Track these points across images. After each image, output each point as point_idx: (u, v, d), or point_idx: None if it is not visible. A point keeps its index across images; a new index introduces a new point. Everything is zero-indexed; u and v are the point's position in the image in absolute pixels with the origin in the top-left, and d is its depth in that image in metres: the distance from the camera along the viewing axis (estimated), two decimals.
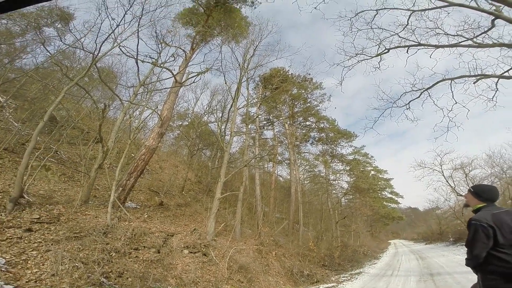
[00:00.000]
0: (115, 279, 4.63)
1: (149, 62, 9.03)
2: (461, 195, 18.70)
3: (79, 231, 5.40)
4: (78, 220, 6.00)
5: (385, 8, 8.65)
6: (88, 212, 6.75)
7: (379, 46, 9.19)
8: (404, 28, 8.64)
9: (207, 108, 18.40)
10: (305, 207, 20.04)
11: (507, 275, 1.92)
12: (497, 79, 7.77)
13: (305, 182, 26.02)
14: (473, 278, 5.96)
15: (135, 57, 8.32)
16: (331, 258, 12.62)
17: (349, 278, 10.15)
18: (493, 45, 7.26)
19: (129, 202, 9.22)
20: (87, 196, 7.35)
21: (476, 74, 7.89)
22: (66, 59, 11.62)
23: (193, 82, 11.05)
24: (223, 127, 14.43)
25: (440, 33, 8.25)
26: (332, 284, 8.93)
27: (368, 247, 21.79)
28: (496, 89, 8.00)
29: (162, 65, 9.41)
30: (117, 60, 17.54)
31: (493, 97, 8.11)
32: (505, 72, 7.56)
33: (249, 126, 17.27)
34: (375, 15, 8.90)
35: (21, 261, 3.89)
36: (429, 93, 8.88)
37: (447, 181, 19.90)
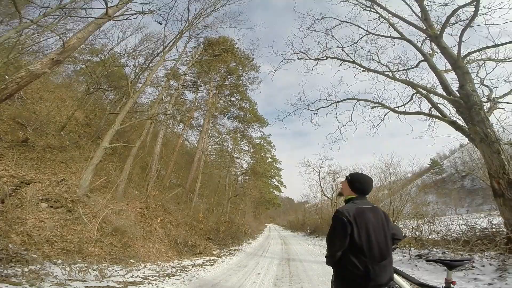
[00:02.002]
0: None
1: None
2: (325, 195, 23.19)
3: None
4: None
5: (349, 22, 9.41)
6: None
7: (321, 52, 9.85)
8: (351, 44, 9.53)
9: (131, 52, 15.47)
10: (204, 177, 20.13)
11: (353, 284, 1.71)
12: (388, 111, 9.29)
13: (211, 153, 26.18)
14: (315, 267, 7.22)
15: None
16: (217, 232, 13.20)
17: (228, 253, 10.88)
18: (405, 82, 8.65)
19: None
20: None
21: (377, 102, 9.29)
22: None
23: (126, 19, 8.96)
24: (140, 74, 12.79)
25: (374, 59, 9.43)
26: (212, 258, 9.30)
27: (250, 226, 24.25)
28: (382, 120, 9.64)
29: None
30: None
31: (377, 125, 9.83)
32: (396, 107, 9.12)
33: (171, 82, 15.71)
34: (337, 25, 9.56)
35: None
36: (336, 106, 9.98)
37: (319, 182, 24.23)
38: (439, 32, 7.34)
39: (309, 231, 25.31)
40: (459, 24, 7.60)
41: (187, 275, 6.08)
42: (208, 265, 7.75)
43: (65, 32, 11.06)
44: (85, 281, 3.92)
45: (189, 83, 20.47)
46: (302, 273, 6.83)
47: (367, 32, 9.37)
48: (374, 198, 16.20)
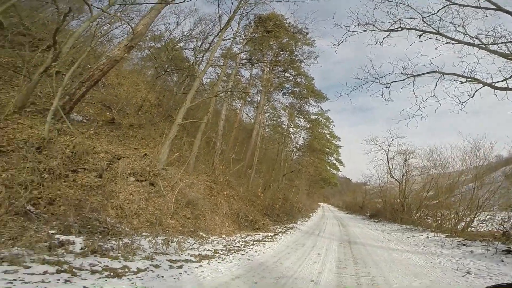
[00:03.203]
0: (45, 207, 4.01)
1: None
2: (393, 178, 21.16)
3: (6, 144, 4.38)
4: (7, 129, 4.84)
5: None
6: (22, 121, 5.49)
7: (394, 23, 9.06)
8: (429, 15, 8.45)
9: (187, 35, 16.30)
10: (261, 153, 20.66)
11: None
12: (481, 86, 8.13)
13: (267, 129, 26.51)
14: (381, 252, 6.86)
15: None
16: (273, 208, 13.65)
17: (284, 231, 11.22)
18: (504, 55, 7.33)
19: (75, 114, 7.91)
20: (23, 101, 5.93)
21: (468, 76, 8.26)
22: None
23: (183, 1, 9.26)
24: (199, 56, 13.55)
25: (459, 31, 8.19)
26: (270, 234, 9.71)
27: (303, 204, 24.32)
28: (471, 96, 8.44)
29: None
30: None
31: (464, 102, 8.69)
32: (495, 82, 7.85)
33: (228, 61, 16.19)
34: None
35: None
36: (414, 79, 9.36)
37: (387, 162, 21.89)
38: None
39: (369, 215, 23.98)
40: None
41: (249, 250, 6.48)
42: (267, 241, 8.10)
43: (132, 19, 12.14)
44: (167, 254, 4.51)
45: (244, 61, 20.53)
46: (367, 257, 6.60)
47: (450, 2, 8.04)
48: (453, 183, 14.43)
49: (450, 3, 8.07)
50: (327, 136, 34.77)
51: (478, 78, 8.09)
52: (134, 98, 12.59)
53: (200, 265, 4.52)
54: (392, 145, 21.60)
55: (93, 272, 3.18)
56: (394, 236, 11.30)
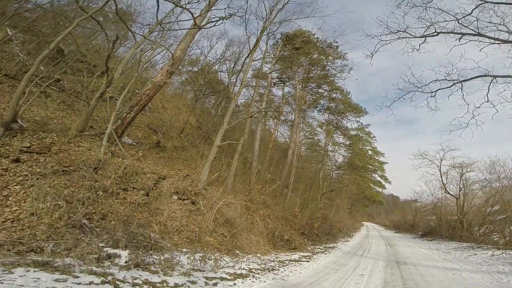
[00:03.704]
0: (98, 221, 4.53)
1: (170, 1, 7.93)
2: (449, 193, 19.04)
3: (68, 165, 5.13)
4: (70, 151, 5.70)
5: None
6: (82, 143, 6.41)
7: (427, 28, 8.65)
8: (463, 16, 7.92)
9: (220, 58, 17.54)
10: (297, 172, 20.34)
11: None
12: None
13: (303, 148, 26.12)
14: (435, 272, 6.13)
15: None
16: (311, 228, 13.17)
17: (323, 250, 10.70)
18: None
19: (126, 137, 8.91)
20: (83, 125, 6.94)
21: None
22: None
23: (214, 25, 10.11)
24: (233, 77, 14.14)
25: (502, 30, 7.50)
26: (307, 254, 9.38)
27: (345, 224, 22.96)
28: None
29: (184, 5, 8.37)
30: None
31: None
32: None
33: (260, 81, 16.68)
34: None
35: (1, 197, 3.61)
36: (461, 85, 8.77)
37: (441, 177, 19.97)
38: None
39: (421, 233, 21.88)
40: None
41: (284, 270, 6.32)
42: (303, 261, 7.83)
43: (172, 44, 13.43)
44: (203, 271, 4.67)
45: (276, 80, 20.99)
46: (418, 277, 6.01)
47: (482, 1, 7.48)
48: None
49: (483, 1, 7.52)
50: (369, 152, 32.90)
51: None
52: (176, 122, 13.71)
53: (235, 284, 4.56)
54: (444, 159, 19.97)
55: (134, 285, 3.42)
56: (452, 255, 10.31)
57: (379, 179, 35.58)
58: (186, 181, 8.53)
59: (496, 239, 12.81)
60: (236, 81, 14.60)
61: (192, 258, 4.67)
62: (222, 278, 4.62)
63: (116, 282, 3.34)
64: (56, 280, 2.93)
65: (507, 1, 7.26)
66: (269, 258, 7.71)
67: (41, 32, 9.21)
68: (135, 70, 9.87)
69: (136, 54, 10.40)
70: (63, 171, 4.93)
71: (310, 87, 22.65)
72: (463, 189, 17.45)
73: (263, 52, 14.68)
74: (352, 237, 19.49)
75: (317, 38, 19.02)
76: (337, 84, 22.20)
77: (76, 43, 9.73)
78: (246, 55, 13.28)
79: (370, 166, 33.18)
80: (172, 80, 18.18)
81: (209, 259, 5.01)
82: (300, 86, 21.19)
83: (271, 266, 6.60)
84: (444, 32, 8.55)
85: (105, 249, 3.95)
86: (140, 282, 3.59)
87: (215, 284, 4.30)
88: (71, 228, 3.90)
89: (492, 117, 8.82)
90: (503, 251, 9.31)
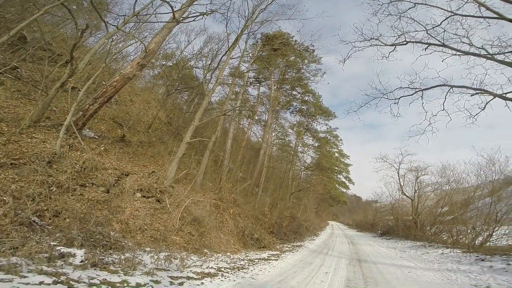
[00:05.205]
0: (50, 219, 4.07)
1: None
2: (405, 195, 20.61)
3: (18, 157, 4.55)
4: (21, 143, 5.06)
5: (426, 4, 8.37)
6: (36, 135, 5.73)
7: (398, 37, 9.13)
8: (432, 27, 8.53)
9: (197, 54, 17.08)
10: (268, 172, 20.55)
11: None
12: (492, 98, 7.99)
13: (274, 148, 26.52)
14: (393, 270, 6.55)
15: None
16: (280, 227, 13.35)
17: (291, 249, 10.88)
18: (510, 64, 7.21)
19: (87, 130, 8.20)
20: (39, 115, 6.22)
21: (478, 87, 8.10)
22: None
23: (193, 20, 9.76)
24: (208, 74, 13.88)
25: (464, 42, 8.17)
26: (276, 252, 9.46)
27: (312, 223, 23.72)
28: (482, 108, 8.32)
29: None
30: None
31: (476, 115, 8.55)
32: (506, 93, 7.65)
33: (236, 80, 16.59)
34: (411, 8, 8.73)
35: None
36: (422, 94, 9.32)
37: (399, 179, 21.49)
38: None
39: (381, 232, 23.26)
40: None
41: (254, 268, 6.30)
42: (272, 260, 7.88)
43: (145, 37, 12.80)
44: (168, 270, 4.43)
45: (252, 80, 21.08)
46: (378, 275, 6.32)
47: (452, 13, 8.12)
48: (469, 198, 14.27)
49: (452, 14, 8.11)
50: (336, 154, 34.48)
51: (488, 89, 7.93)
52: (145, 116, 13.00)
53: (202, 283, 4.41)
54: (403, 162, 21.53)
55: (91, 285, 3.14)
56: (407, 253, 10.92)
57: (343, 180, 37.50)
58: (151, 178, 8.10)
59: (445, 238, 13.83)
60: (211, 78, 14.38)
61: (156, 257, 4.41)
62: (188, 277, 4.43)
63: (70, 282, 3.04)
64: (0, 280, 2.65)
65: (475, 14, 7.82)
66: (239, 256, 7.63)
67: (4, 18, 8.16)
68: (103, 61, 9.17)
69: (106, 45, 9.73)
70: (11, 164, 4.35)
71: (285, 89, 23.11)
72: (417, 191, 18.80)
73: (242, 51, 14.64)
74: (318, 235, 20.15)
75: (295, 40, 19.62)
76: (310, 87, 22.99)
77: (41, 30, 8.82)
78: (224, 53, 13.18)
79: (336, 168, 34.78)
80: (144, 74, 17.38)
81: (175, 258, 4.79)
82: (275, 87, 21.55)
83: (240, 264, 6.53)
84: (413, 41, 9.07)
85: (58, 248, 3.56)
86: (98, 282, 3.30)
87: (181, 284, 4.10)
88: (18, 226, 3.44)
89: (446, 125, 9.73)
90: (451, 249, 10.09)
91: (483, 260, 7.50)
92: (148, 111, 13.64)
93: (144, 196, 7.15)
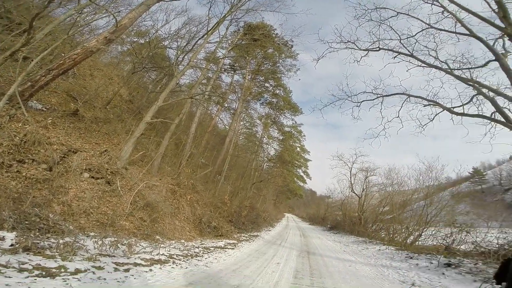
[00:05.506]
0: None
1: None
2: (354, 192, 22.26)
3: None
4: None
5: (407, 14, 8.86)
6: None
7: (373, 43, 9.54)
8: (407, 37, 8.99)
9: (173, 34, 16.05)
10: (232, 160, 20.56)
11: None
12: (441, 110, 8.69)
13: (241, 137, 26.60)
14: (336, 263, 7.06)
15: None
16: (239, 216, 13.52)
17: (248, 239, 11.15)
18: (469, 81, 7.93)
19: (35, 101, 7.30)
20: None
21: (431, 99, 8.75)
22: None
23: None
24: (181, 56, 13.34)
25: (431, 55, 8.75)
26: (233, 241, 9.60)
27: (269, 214, 24.48)
28: (431, 119, 9.04)
29: None
30: None
31: (424, 125, 9.26)
32: (454, 107, 8.47)
33: (210, 65, 16.13)
34: (393, 16, 9.10)
35: None
36: (382, 100, 9.72)
37: (350, 177, 23.04)
38: None
39: (329, 226, 24.81)
40: None
41: (209, 256, 6.33)
42: (228, 249, 7.99)
43: (119, 12, 11.70)
44: (114, 256, 4.24)
45: (227, 67, 20.67)
46: (323, 267, 6.76)
47: (429, 26, 8.67)
48: (407, 200, 15.59)
49: (429, 26, 8.62)
50: (298, 149, 35.77)
51: (439, 102, 8.58)
52: (104, 92, 11.96)
53: (151, 269, 4.31)
54: (356, 162, 22.92)
55: (21, 270, 2.88)
56: (350, 248, 11.70)
57: (302, 174, 39.16)
58: (103, 158, 7.53)
59: (383, 235, 14.95)
60: (183, 60, 13.75)
61: (100, 242, 4.17)
62: (136, 264, 4.30)
63: None
64: None
65: (449, 29, 8.39)
66: (194, 244, 7.58)
67: None
68: (66, 33, 8.15)
69: (74, 16, 8.81)
70: None
71: (258, 80, 23.17)
72: (365, 190, 20.26)
73: (221, 37, 14.15)
74: (274, 226, 20.91)
75: (277, 34, 19.53)
76: (282, 82, 23.35)
77: None
78: (201, 36, 12.60)
79: (297, 162, 36.16)
80: (111, 49, 15.96)
81: (123, 244, 4.59)
82: (250, 77, 21.42)
83: (195, 252, 6.50)
84: (385, 49, 9.45)
85: None
86: (30, 267, 3.03)
87: (126, 270, 3.96)
88: None
89: (398, 131, 10.61)
90: (387, 246, 10.98)
91: (411, 258, 8.22)
92: (109, 87, 12.58)
93: (92, 177, 6.64)
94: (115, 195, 6.73)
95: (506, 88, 7.36)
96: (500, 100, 7.30)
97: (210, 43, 13.51)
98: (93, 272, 3.51)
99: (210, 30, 11.88)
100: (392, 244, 11.84)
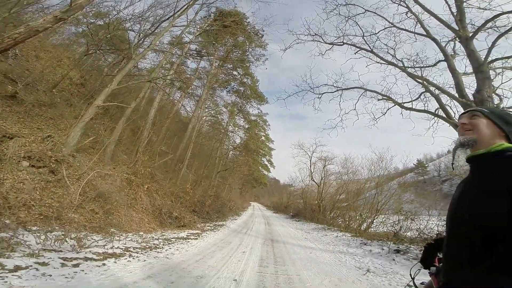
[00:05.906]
0: None
1: None
2: (314, 181, 23.38)
3: None
4: None
5: (374, 13, 9.41)
6: None
7: (338, 38, 9.88)
8: (370, 35, 9.51)
9: (137, 17, 14.62)
10: (195, 148, 20.00)
11: None
12: (393, 105, 9.40)
13: (205, 124, 25.99)
14: (298, 250, 7.35)
15: None
16: (202, 206, 13.26)
17: (212, 228, 10.99)
18: (420, 78, 8.61)
19: None
20: None
21: (385, 94, 9.40)
22: None
23: None
24: (143, 39, 12.51)
25: (389, 53, 9.38)
26: (196, 231, 9.37)
27: (235, 203, 24.55)
28: (384, 113, 9.81)
29: None
30: None
31: (378, 118, 9.99)
32: (404, 102, 9.23)
33: (174, 49, 15.27)
34: (361, 13, 9.46)
35: None
36: (341, 93, 10.24)
37: (310, 166, 24.29)
38: (470, 35, 7.23)
39: (292, 214, 25.62)
40: (493, 29, 7.32)
41: (169, 248, 6.08)
42: (191, 239, 7.77)
43: None
44: (60, 251, 3.82)
45: (193, 52, 19.74)
46: (286, 255, 6.94)
47: (392, 25, 9.24)
48: (361, 188, 16.67)
49: (392, 25, 9.19)
50: (263, 138, 36.40)
51: (392, 97, 9.27)
52: (51, 74, 10.56)
53: (104, 264, 4.00)
54: (315, 151, 24.37)
55: None
56: (311, 235, 12.16)
57: (266, 163, 40.13)
58: (46, 144, 6.70)
59: (340, 222, 15.76)
60: (143, 42, 12.78)
61: (43, 237, 3.73)
62: (87, 258, 3.94)
63: None
64: None
65: (409, 29, 8.98)
66: (154, 236, 7.22)
67: None
68: (7, 11, 6.81)
69: None
70: None
71: (226, 68, 22.69)
72: (323, 178, 21.44)
73: (188, 21, 13.27)
74: (240, 215, 20.97)
75: (248, 22, 19.19)
76: (250, 70, 23.38)
77: None
78: (167, 18, 11.71)
79: (261, 151, 36.85)
80: (62, 29, 14.10)
81: (71, 238, 4.17)
82: (217, 64, 20.88)
83: (154, 244, 6.19)
84: (348, 44, 9.86)
85: None
86: None
87: (76, 265, 3.61)
88: None
89: (353, 123, 11.35)
90: (344, 233, 11.52)
91: (365, 244, 8.67)
92: (57, 70, 11.11)
93: (33, 166, 5.87)
94: (60, 186, 6.06)
95: (450, 87, 8.19)
96: (444, 98, 8.09)
97: (176, 26, 12.66)
98: (37, 269, 3.13)
99: (178, 12, 11.15)
100: (348, 230, 12.40)
